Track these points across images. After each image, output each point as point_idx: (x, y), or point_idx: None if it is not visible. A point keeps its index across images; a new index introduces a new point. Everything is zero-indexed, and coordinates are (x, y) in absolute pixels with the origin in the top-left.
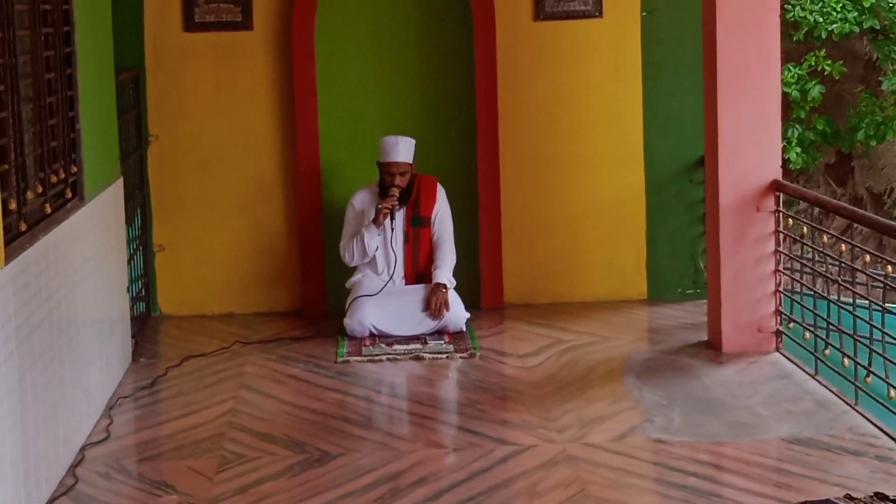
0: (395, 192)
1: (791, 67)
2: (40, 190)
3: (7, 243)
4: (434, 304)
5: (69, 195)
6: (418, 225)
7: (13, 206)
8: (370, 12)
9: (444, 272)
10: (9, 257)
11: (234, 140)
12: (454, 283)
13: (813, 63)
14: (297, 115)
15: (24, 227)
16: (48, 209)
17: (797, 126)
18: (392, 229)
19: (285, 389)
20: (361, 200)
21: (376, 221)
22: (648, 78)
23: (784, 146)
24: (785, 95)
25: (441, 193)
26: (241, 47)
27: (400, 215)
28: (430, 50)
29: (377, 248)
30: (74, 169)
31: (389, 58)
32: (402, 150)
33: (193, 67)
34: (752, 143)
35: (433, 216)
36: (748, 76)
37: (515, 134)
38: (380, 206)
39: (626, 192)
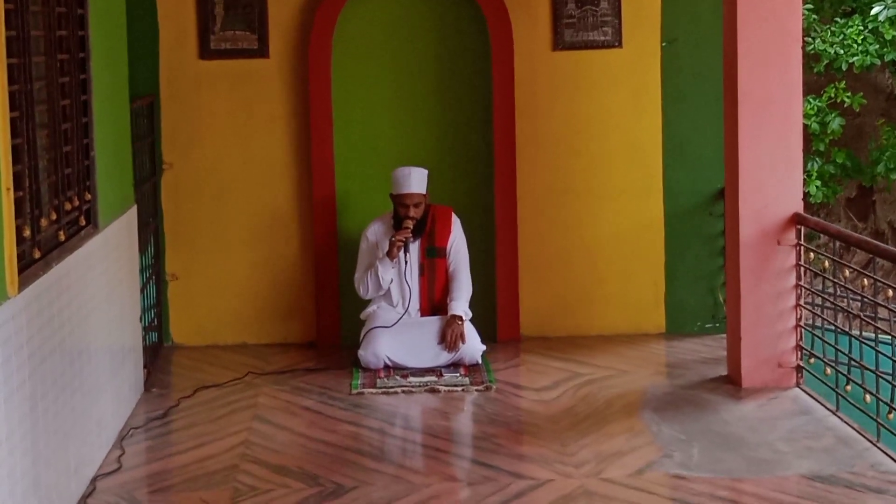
0: (409, 223)
1: (811, 100)
2: (54, 217)
3: (21, 270)
4: (450, 337)
5: (83, 223)
6: (433, 256)
7: (27, 233)
8: (387, 41)
9: (460, 304)
10: (22, 285)
11: (248, 169)
12: (470, 314)
13: (833, 95)
14: (313, 145)
15: (37, 255)
16: (62, 237)
17: (817, 159)
18: (407, 261)
19: (299, 421)
20: (375, 232)
21: (390, 254)
22: (668, 109)
23: (804, 179)
24: (804, 128)
25: (456, 224)
26: (257, 75)
27: (415, 247)
28: (447, 79)
29: (392, 280)
30: (88, 196)
31: (406, 87)
32: (415, 180)
33: (208, 95)
34: (773, 174)
35: (448, 247)
36: (770, 107)
37: (533, 165)
38: (394, 238)
39: (645, 223)
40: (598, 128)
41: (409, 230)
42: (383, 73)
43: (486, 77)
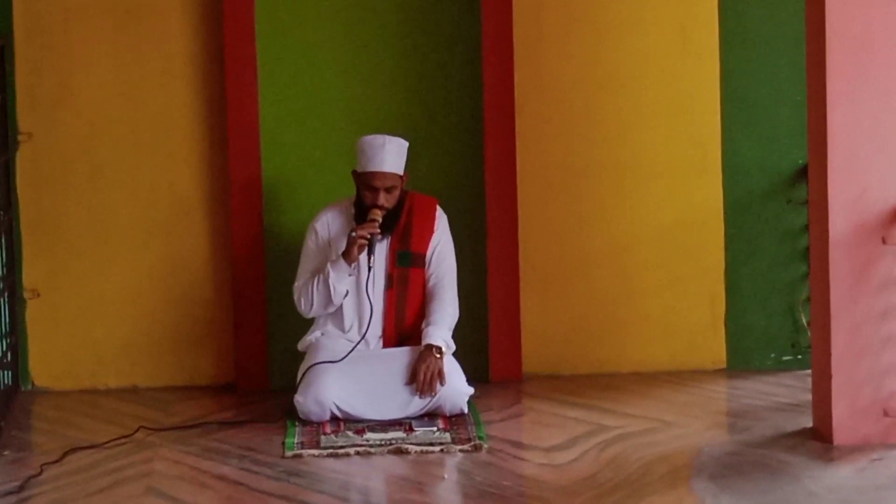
0: (378, 213)
1: None
2: None
3: None
4: (423, 375)
5: None
6: (407, 264)
7: None
8: None
9: (440, 330)
10: None
11: (139, 140)
12: (453, 347)
13: None
14: (230, 107)
15: None
16: None
17: None
18: (369, 267)
19: (212, 496)
20: (328, 225)
21: (348, 255)
22: (729, 54)
23: None
24: None
25: (442, 221)
26: (151, 8)
27: (382, 248)
28: (418, 18)
29: (346, 293)
30: None
31: (363, 27)
32: (391, 154)
33: (82, 37)
34: (875, 147)
35: (429, 253)
36: (870, 52)
37: (538, 135)
38: (354, 233)
39: (697, 216)
40: (631, 81)
41: (377, 223)
42: (330, 7)
43: (473, 12)
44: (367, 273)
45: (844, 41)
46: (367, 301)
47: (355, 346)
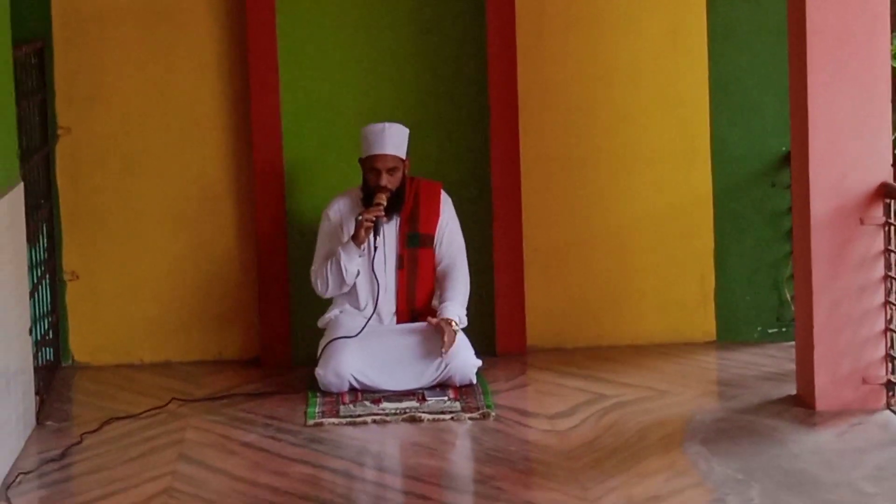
0: (382, 198)
1: None
2: None
3: None
4: (447, 335)
5: None
6: (416, 245)
7: None
8: None
9: (455, 306)
10: None
11: (169, 133)
12: (465, 322)
13: None
14: (253, 100)
15: None
16: None
17: None
18: (375, 248)
19: (238, 462)
20: (339, 210)
21: (356, 237)
22: (717, 48)
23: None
24: (894, 72)
25: (447, 204)
26: (179, 10)
27: (392, 230)
28: (427, 13)
29: (358, 273)
30: None
31: (377, 25)
32: (390, 139)
33: (116, 39)
34: (853, 134)
35: (437, 234)
36: (848, 45)
37: (541, 125)
38: (361, 216)
39: (689, 199)
40: (626, 74)
41: (382, 206)
42: (345, 7)
43: (478, 10)
44: (373, 254)
45: (824, 37)
46: (375, 280)
47: (367, 322)
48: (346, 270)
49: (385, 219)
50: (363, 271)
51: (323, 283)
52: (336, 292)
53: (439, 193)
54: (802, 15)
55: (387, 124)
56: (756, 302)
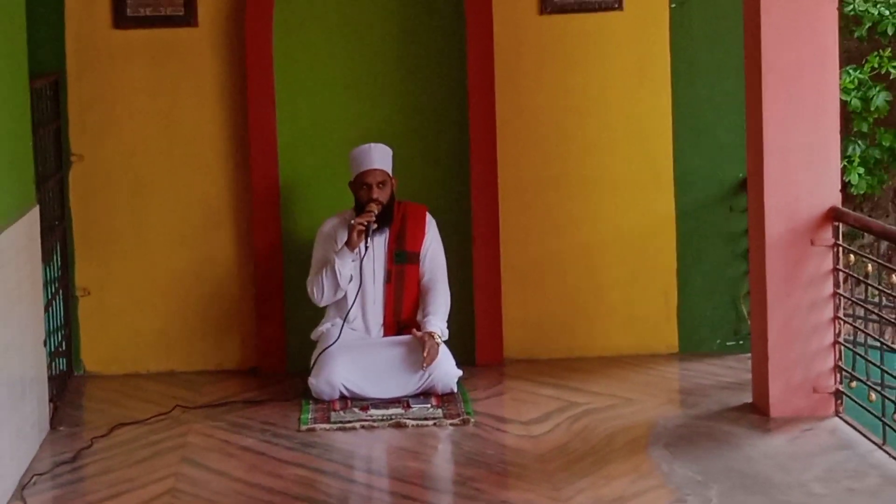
0: (374, 206)
1: (850, 71)
2: None
3: None
4: (429, 349)
5: None
6: (403, 261)
7: None
8: (340, 4)
9: (437, 320)
10: None
11: (174, 159)
12: (447, 335)
13: (877, 65)
14: (251, 129)
15: None
16: None
17: (859, 142)
18: (366, 247)
19: (237, 464)
20: (333, 226)
21: (350, 242)
22: (679, 83)
23: (844, 167)
24: (843, 105)
25: (431, 225)
26: (184, 47)
27: (381, 248)
28: (413, 50)
29: (351, 278)
30: None
31: (364, 59)
32: (377, 155)
33: (125, 72)
34: (804, 162)
35: (422, 252)
36: (800, 80)
37: (517, 152)
38: (354, 221)
39: (653, 222)
40: (595, 107)
41: (373, 213)
42: (336, 42)
43: (460, 47)
44: (363, 254)
45: (778, 73)
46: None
47: (342, 326)
48: (339, 274)
49: (375, 225)
50: (354, 277)
51: (319, 290)
52: (331, 298)
53: (425, 215)
54: (758, 53)
55: (373, 144)
56: (715, 317)
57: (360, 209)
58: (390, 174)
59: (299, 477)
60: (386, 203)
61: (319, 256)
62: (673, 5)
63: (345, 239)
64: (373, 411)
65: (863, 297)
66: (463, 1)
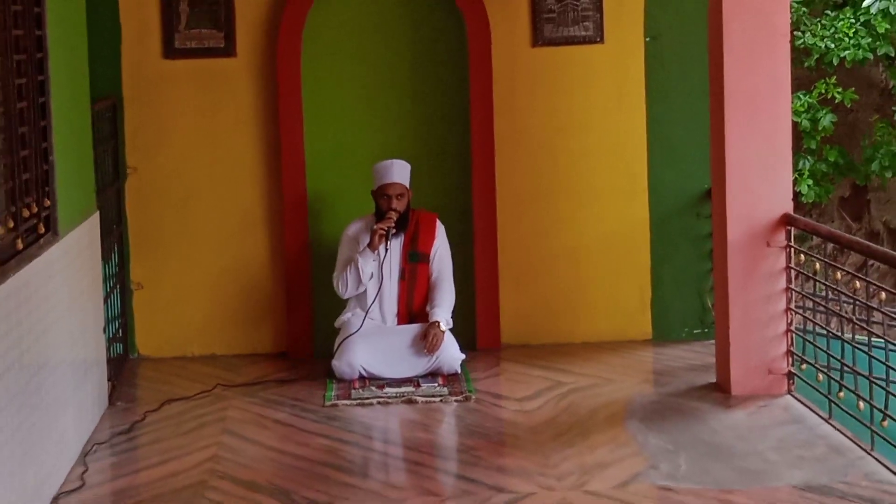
0: (393, 215)
1: (801, 96)
2: (11, 225)
3: None
4: (431, 339)
5: (42, 230)
6: (416, 261)
7: None
8: (359, 38)
9: (442, 312)
10: None
11: (216, 172)
12: (451, 324)
13: (824, 91)
14: (283, 146)
15: None
16: (20, 245)
17: (808, 157)
18: (386, 249)
19: (270, 435)
20: (356, 229)
21: (371, 244)
22: (653, 106)
23: (795, 178)
24: (795, 125)
25: (441, 230)
26: (224, 75)
27: (397, 250)
28: (422, 77)
29: (372, 275)
30: (48, 203)
31: (380, 86)
32: (397, 171)
33: (174, 96)
34: (761, 174)
35: (432, 253)
36: (757, 104)
37: (513, 165)
38: (375, 226)
39: (630, 226)
40: (580, 127)
41: (392, 220)
42: (356, 71)
43: (463, 75)
44: (384, 256)
45: (738, 97)
46: (380, 282)
47: (364, 319)
48: (362, 271)
49: (394, 230)
50: (373, 284)
51: (343, 285)
52: (353, 292)
53: (435, 221)
54: (721, 80)
55: (394, 160)
56: (683, 308)
57: (380, 214)
58: (408, 186)
59: (324, 446)
60: (402, 211)
61: (344, 256)
62: (647, 39)
63: (367, 241)
64: (388, 389)
65: (812, 291)
66: (466, 35)
